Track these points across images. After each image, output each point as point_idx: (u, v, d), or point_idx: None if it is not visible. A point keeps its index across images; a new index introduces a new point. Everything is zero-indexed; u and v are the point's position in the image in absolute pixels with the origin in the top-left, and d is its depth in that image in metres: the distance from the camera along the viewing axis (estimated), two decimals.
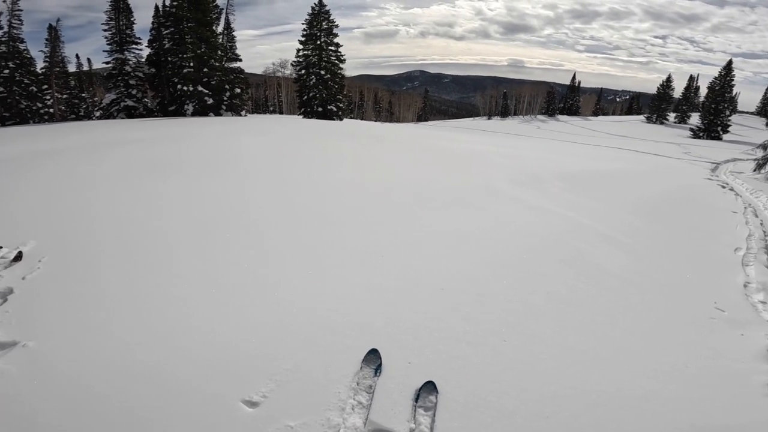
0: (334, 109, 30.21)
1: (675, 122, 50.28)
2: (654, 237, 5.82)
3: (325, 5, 29.49)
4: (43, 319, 2.96)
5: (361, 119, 53.80)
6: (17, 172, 7.21)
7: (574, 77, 67.99)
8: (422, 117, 70.69)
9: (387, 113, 69.72)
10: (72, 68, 34.90)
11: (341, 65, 30.79)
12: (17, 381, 2.35)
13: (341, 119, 30.38)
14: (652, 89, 53.58)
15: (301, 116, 30.56)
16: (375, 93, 72.00)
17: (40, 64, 28.08)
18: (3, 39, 25.22)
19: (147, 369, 2.50)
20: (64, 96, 31.34)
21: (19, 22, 25.97)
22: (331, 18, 29.84)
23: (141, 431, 2.10)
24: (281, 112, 53.29)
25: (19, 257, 3.93)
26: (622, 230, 5.81)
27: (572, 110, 65.76)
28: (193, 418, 2.19)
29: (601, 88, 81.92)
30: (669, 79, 52.38)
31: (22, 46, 26.24)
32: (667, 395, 2.66)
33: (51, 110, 27.88)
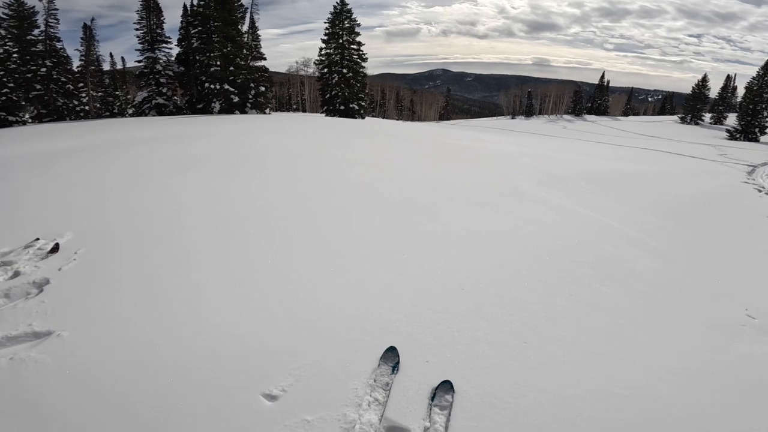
0: (356, 107, 30.36)
1: (711, 123, 48.34)
2: (684, 241, 5.59)
3: (347, 4, 29.67)
4: (77, 309, 3.09)
5: (383, 118, 53.84)
6: (57, 167, 7.58)
7: (602, 76, 66.19)
8: (444, 116, 70.21)
9: (409, 112, 69.59)
10: (106, 67, 36.37)
11: (363, 64, 30.93)
12: (51, 371, 2.46)
13: (363, 117, 30.51)
14: (687, 89, 51.88)
15: (323, 114, 30.87)
16: (397, 92, 71.96)
17: (75, 63, 29.32)
18: (40, 38, 26.35)
19: (172, 362, 2.59)
20: (99, 94, 32.64)
21: (55, 21, 27.07)
22: (352, 17, 29.98)
23: (164, 423, 2.17)
24: (304, 110, 53.96)
25: (56, 249, 4.11)
26: (651, 233, 5.61)
27: (600, 110, 63.95)
28: (215, 411, 2.25)
29: (632, 88, 79.34)
30: (705, 79, 50.50)
31: (58, 45, 27.37)
32: (691, 401, 2.57)
33: (86, 107, 29.11)
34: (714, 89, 50.81)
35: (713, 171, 13.71)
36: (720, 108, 49.37)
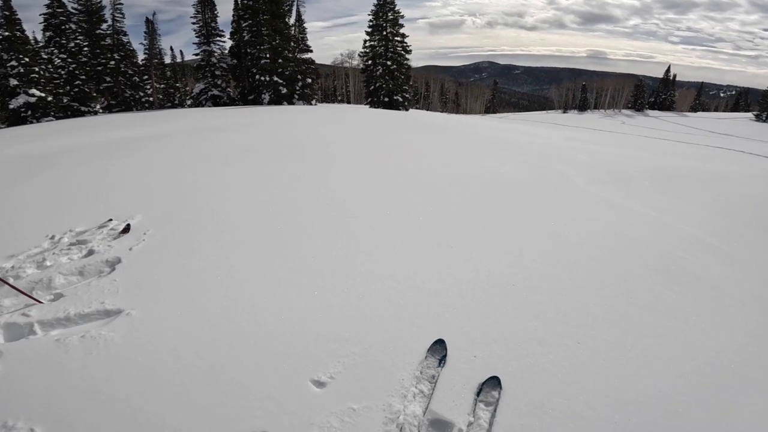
0: (400, 99, 30.24)
1: None
2: (757, 245, 5.03)
3: None
4: (145, 288, 3.29)
5: (427, 110, 53.21)
6: (128, 152, 8.19)
7: (668, 70, 61.15)
8: (490, 109, 68.18)
9: (453, 104, 68.31)
10: (167, 60, 38.63)
11: (407, 56, 30.70)
12: (119, 350, 2.62)
13: (407, 109, 30.34)
14: (763, 85, 47.36)
15: (367, 106, 31.02)
16: (441, 84, 70.79)
17: (140, 57, 31.34)
18: (108, 32, 28.30)
19: (228, 343, 2.70)
20: (162, 86, 34.76)
21: (121, 15, 28.98)
22: (396, 9, 29.75)
23: (219, 404, 2.25)
24: (349, 102, 54.53)
25: (127, 229, 4.40)
26: (723, 237, 5.10)
27: (665, 105, 59.33)
28: (266, 394, 2.32)
29: (702, 83, 72.62)
30: None
31: (125, 39, 29.31)
32: (754, 411, 2.36)
33: (150, 99, 31.16)
34: None
35: None
36: None
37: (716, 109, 74.65)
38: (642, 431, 2.18)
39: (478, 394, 2.36)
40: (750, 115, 49.21)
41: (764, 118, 45.12)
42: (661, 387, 2.48)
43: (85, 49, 26.86)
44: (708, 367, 2.71)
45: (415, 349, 2.66)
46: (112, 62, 28.06)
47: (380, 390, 2.36)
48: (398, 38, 30.13)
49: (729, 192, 7.39)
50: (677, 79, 64.00)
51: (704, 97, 74.21)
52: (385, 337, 2.77)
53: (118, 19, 28.87)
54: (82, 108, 26.52)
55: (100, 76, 27.89)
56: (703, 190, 7.33)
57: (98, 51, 27.46)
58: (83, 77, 26.58)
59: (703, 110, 65.13)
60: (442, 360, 2.57)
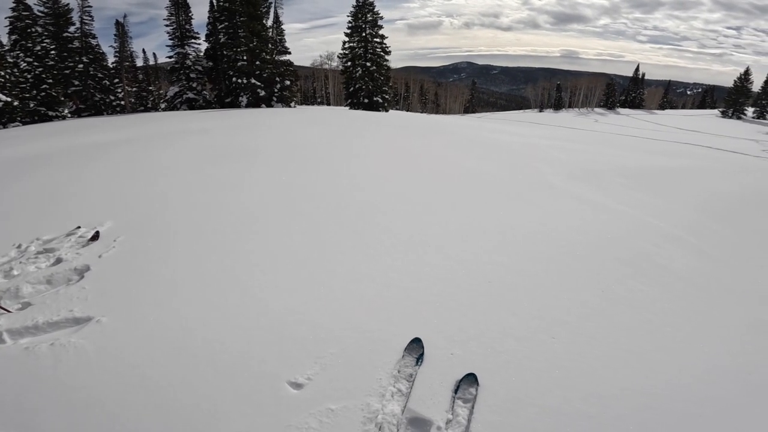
0: (380, 100, 30.28)
1: (753, 117, 45.68)
2: (726, 239, 5.26)
3: None
4: (116, 295, 3.21)
5: (407, 110, 53.47)
6: (99, 158, 7.93)
7: (637, 69, 63.35)
8: (469, 109, 69.03)
9: (433, 105, 68.85)
10: (139, 63, 37.59)
11: (386, 57, 30.75)
12: (91, 357, 2.55)
13: (387, 110, 30.41)
14: (728, 82, 49.45)
15: (347, 107, 30.93)
16: (421, 84, 71.22)
17: (110, 59, 30.38)
18: (76, 35, 27.41)
19: (204, 347, 2.65)
20: (134, 89, 33.76)
21: (89, 17, 28.05)
22: (375, 10, 29.78)
23: (195, 410, 2.21)
24: (328, 104, 54.28)
25: (96, 237, 4.27)
26: (690, 230, 5.31)
27: (635, 103, 61.40)
28: (243, 398, 2.29)
29: (669, 81, 75.42)
30: (747, 72, 47.99)
31: (93, 42, 28.39)
32: (726, 402, 2.45)
33: (122, 102, 30.22)
34: (757, 83, 48.24)
35: (757, 167, 12.88)
36: (763, 102, 46.83)
37: (683, 107, 77.64)
38: (616, 424, 2.23)
39: (455, 391, 2.38)
40: (716, 111, 51.19)
41: (730, 115, 47.07)
42: (633, 380, 2.55)
43: (52, 52, 25.89)
44: (680, 359, 2.80)
45: (393, 348, 2.67)
46: (81, 65, 27.14)
47: (358, 390, 2.35)
48: (377, 39, 30.15)
49: (697, 187, 7.70)
50: (646, 77, 66.30)
51: (672, 94, 76.98)
52: (363, 337, 2.78)
53: (86, 21, 27.98)
54: (50, 113, 25.52)
55: (68, 79, 26.93)
56: (672, 185, 7.62)
57: (66, 54, 26.51)
58: (50, 81, 25.60)
59: (671, 108, 67.60)
60: (420, 358, 2.59)
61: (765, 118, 44.06)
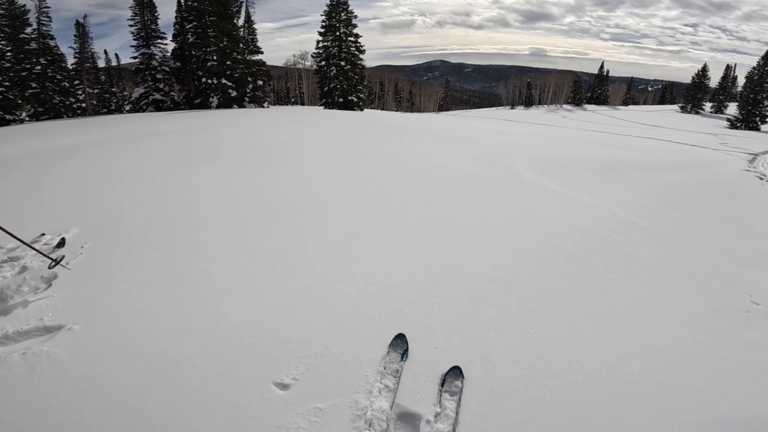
0: (355, 99, 30.21)
1: (711, 112, 48.33)
2: (689, 228, 5.58)
3: None
4: (87, 302, 3.08)
5: (382, 109, 53.55)
6: (61, 163, 7.55)
7: (602, 66, 66.01)
8: (443, 107, 69.95)
9: (408, 103, 69.27)
10: (101, 64, 36.06)
11: (361, 56, 30.69)
12: (65, 365, 2.46)
13: (362, 110, 30.37)
14: (686, 78, 52.23)
15: (322, 107, 30.70)
16: (395, 83, 71.55)
17: (70, 61, 29.05)
18: (33, 36, 26.09)
19: (182, 353, 2.59)
20: (96, 91, 32.42)
21: (47, 18, 26.74)
22: (349, 9, 29.67)
23: (177, 416, 2.16)
24: (303, 104, 53.69)
25: (62, 244, 4.09)
26: (656, 221, 5.59)
27: (601, 100, 63.86)
28: (227, 402, 2.25)
29: (632, 78, 78.88)
30: (705, 69, 50.74)
31: (52, 43, 27.09)
32: (700, 386, 2.58)
33: (83, 105, 28.92)
34: (714, 79, 51.19)
35: (715, 159, 13.64)
36: (720, 97, 49.61)
37: (645, 103, 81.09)
38: (598, 411, 2.32)
39: (442, 384, 2.43)
40: (676, 107, 53.74)
41: (688, 110, 49.58)
42: (611, 367, 2.67)
43: (8, 54, 24.53)
44: (653, 345, 2.94)
45: (377, 345, 2.70)
46: (38, 67, 25.81)
47: (345, 388, 2.36)
48: (352, 38, 30.02)
49: (659, 179, 8.10)
50: (610, 74, 69.09)
51: (634, 91, 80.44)
52: (347, 336, 2.79)
53: (44, 22, 26.63)
54: (7, 116, 24.20)
55: (26, 82, 25.57)
56: (637, 177, 7.99)
57: (22, 56, 25.16)
58: (7, 83, 24.28)
59: (634, 104, 70.72)
60: (404, 354, 2.63)
61: (722, 113, 46.44)
